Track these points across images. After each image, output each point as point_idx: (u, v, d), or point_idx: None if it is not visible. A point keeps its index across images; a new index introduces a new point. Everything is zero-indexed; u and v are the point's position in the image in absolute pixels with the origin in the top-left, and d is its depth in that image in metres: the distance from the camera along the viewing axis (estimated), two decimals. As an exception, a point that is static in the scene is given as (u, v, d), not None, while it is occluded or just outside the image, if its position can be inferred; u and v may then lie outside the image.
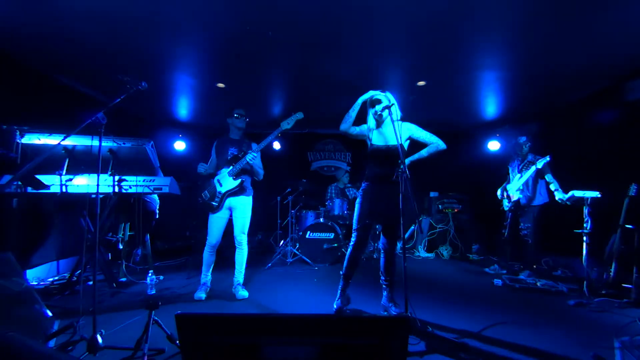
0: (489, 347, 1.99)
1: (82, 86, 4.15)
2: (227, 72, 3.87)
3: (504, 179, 4.23)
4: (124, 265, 3.56)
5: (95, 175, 2.46)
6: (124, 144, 2.85)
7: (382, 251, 2.63)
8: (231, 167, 2.90)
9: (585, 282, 3.02)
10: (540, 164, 3.61)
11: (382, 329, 0.94)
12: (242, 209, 2.96)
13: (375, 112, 2.50)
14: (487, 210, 5.17)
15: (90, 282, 2.95)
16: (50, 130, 2.90)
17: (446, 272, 4.29)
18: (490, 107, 5.05)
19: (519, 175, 3.92)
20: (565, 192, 3.40)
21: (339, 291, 2.60)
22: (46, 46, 3.14)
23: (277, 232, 5.33)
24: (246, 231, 2.99)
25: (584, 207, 3.09)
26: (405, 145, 2.53)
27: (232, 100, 4.60)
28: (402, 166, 2.20)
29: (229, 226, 3.02)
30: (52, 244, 3.58)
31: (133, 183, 2.93)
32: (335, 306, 2.54)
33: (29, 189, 2.69)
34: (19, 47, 3.18)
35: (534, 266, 3.82)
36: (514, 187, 3.92)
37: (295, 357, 0.94)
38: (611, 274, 2.99)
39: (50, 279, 3.40)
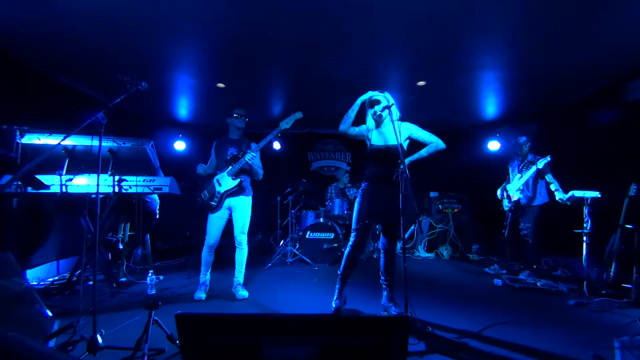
0: (489, 347, 1.99)
1: (82, 86, 4.15)
2: (227, 72, 3.87)
3: (504, 179, 4.23)
4: (124, 266, 3.56)
5: (95, 175, 2.45)
6: (124, 144, 2.85)
7: (381, 251, 2.63)
8: (230, 167, 2.90)
9: (585, 282, 3.02)
10: (541, 164, 3.61)
11: (382, 329, 0.94)
12: (241, 209, 2.96)
13: (375, 112, 2.51)
14: (487, 210, 5.17)
15: (90, 282, 2.95)
16: (50, 130, 2.90)
17: (446, 272, 4.29)
18: (490, 107, 5.05)
19: (519, 175, 3.92)
20: (566, 192, 3.41)
21: (337, 291, 2.60)
22: (46, 46, 3.14)
23: (277, 232, 5.33)
24: (246, 231, 2.99)
25: (584, 207, 3.09)
26: (405, 145, 2.53)
27: (232, 100, 4.60)
28: (402, 166, 2.20)
29: (229, 226, 3.02)
30: (52, 244, 3.58)
31: (133, 183, 2.93)
32: (334, 305, 2.55)
33: (29, 189, 2.69)
34: (19, 47, 3.18)
35: (534, 266, 3.82)
36: (514, 187, 3.92)
37: (295, 357, 0.94)
38: (611, 274, 2.99)
39: (50, 279, 3.41)
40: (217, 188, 2.92)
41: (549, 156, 3.58)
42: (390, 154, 2.47)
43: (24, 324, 1.70)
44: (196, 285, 3.00)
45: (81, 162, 2.87)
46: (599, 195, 3.05)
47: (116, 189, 2.85)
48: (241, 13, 2.66)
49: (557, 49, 3.16)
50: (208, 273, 2.97)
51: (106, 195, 3.03)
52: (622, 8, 2.52)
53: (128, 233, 4.01)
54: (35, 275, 3.35)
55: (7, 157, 2.80)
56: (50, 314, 1.84)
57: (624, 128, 3.83)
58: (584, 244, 3.06)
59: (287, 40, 3.07)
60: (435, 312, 2.59)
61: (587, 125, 4.40)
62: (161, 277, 3.57)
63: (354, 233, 2.54)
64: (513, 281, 3.44)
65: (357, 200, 2.57)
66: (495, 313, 2.61)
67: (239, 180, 2.91)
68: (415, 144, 2.56)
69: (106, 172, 2.87)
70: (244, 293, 2.92)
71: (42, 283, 3.28)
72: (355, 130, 2.57)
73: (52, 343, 1.80)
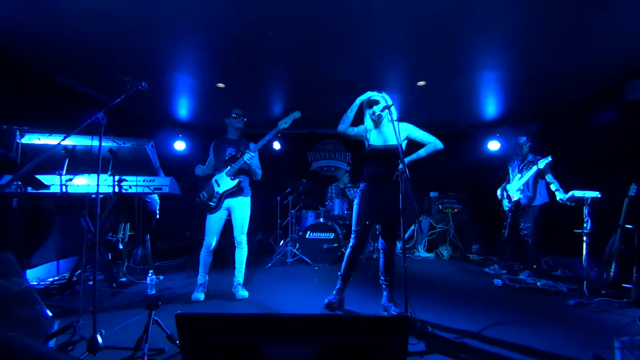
0: (489, 347, 1.99)
1: (82, 86, 4.15)
2: (227, 72, 3.87)
3: (504, 179, 4.23)
4: (124, 266, 3.56)
5: (95, 175, 2.45)
6: (124, 144, 2.85)
7: (381, 251, 2.63)
8: (229, 167, 2.90)
9: (585, 282, 3.02)
10: (541, 164, 3.61)
11: (382, 329, 0.94)
12: (240, 209, 2.96)
13: (373, 112, 2.51)
14: (487, 210, 5.17)
15: (90, 282, 2.94)
16: (50, 130, 2.90)
17: (446, 272, 4.29)
18: (490, 107, 5.05)
19: (519, 175, 3.92)
20: (566, 192, 3.40)
21: (335, 290, 2.61)
22: (46, 46, 3.14)
23: (277, 232, 5.33)
24: (245, 231, 2.99)
25: (584, 207, 3.09)
26: (403, 145, 2.53)
27: (232, 100, 4.60)
28: (401, 166, 2.20)
29: (228, 226, 3.01)
30: (52, 244, 3.58)
31: (133, 183, 2.93)
32: (326, 300, 2.55)
33: (29, 189, 2.69)
34: (19, 47, 3.18)
35: (534, 266, 3.82)
36: (515, 187, 3.92)
37: (295, 357, 0.94)
38: (611, 274, 2.99)
39: (50, 279, 3.41)
40: (216, 188, 2.92)
41: (549, 156, 3.58)
42: (389, 154, 2.47)
43: (24, 324, 1.70)
44: (195, 286, 2.98)
45: (81, 162, 2.87)
46: (599, 195, 3.05)
47: (116, 189, 2.85)
48: (241, 13, 2.66)
49: (557, 49, 3.16)
50: (206, 275, 2.95)
51: (106, 195, 3.03)
52: (622, 8, 2.52)
53: (128, 233, 4.01)
54: (35, 275, 3.35)
55: (7, 157, 2.80)
56: (50, 314, 1.84)
57: (624, 128, 3.83)
58: (584, 244, 3.06)
59: (287, 40, 3.07)
60: (435, 312, 2.59)
61: (587, 125, 4.40)
62: (161, 277, 3.57)
63: (354, 235, 2.55)
64: (513, 281, 3.44)
65: (356, 201, 2.57)
66: (495, 313, 2.61)
67: (237, 180, 2.90)
68: (414, 144, 2.56)
69: (106, 172, 2.86)
70: (244, 293, 2.92)
71: (42, 283, 3.28)
72: (354, 130, 2.57)
73: (52, 343, 1.80)
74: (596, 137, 4.22)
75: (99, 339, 1.71)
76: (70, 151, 2.80)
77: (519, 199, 3.86)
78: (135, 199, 3.55)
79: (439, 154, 2.51)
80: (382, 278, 2.62)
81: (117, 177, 2.86)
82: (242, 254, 2.99)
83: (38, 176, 2.60)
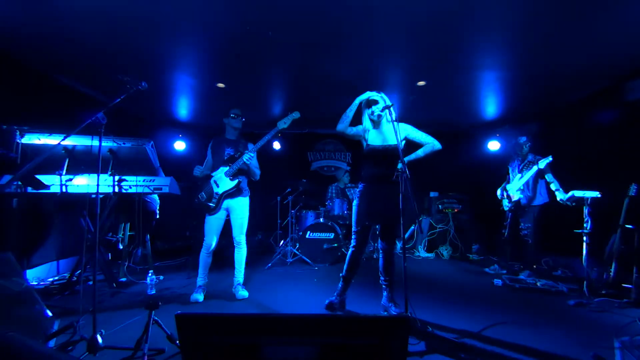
0: (489, 347, 1.99)
1: (82, 86, 4.15)
2: (227, 72, 3.87)
3: (504, 179, 4.23)
4: (125, 266, 3.56)
5: (95, 175, 2.45)
6: (124, 144, 2.85)
7: (380, 251, 2.63)
8: (228, 168, 2.89)
9: (585, 282, 3.02)
10: (542, 164, 3.60)
11: (382, 329, 0.94)
12: (239, 210, 2.95)
13: (372, 112, 2.51)
14: (487, 210, 5.17)
15: (90, 282, 2.94)
16: (50, 130, 2.90)
17: (446, 272, 4.29)
18: (490, 107, 5.05)
19: (519, 175, 3.92)
20: (566, 192, 3.41)
21: (337, 291, 2.62)
22: (46, 46, 3.14)
23: (277, 232, 5.33)
24: (244, 231, 2.99)
25: (584, 207, 3.09)
26: (402, 145, 2.53)
27: (232, 100, 4.60)
28: (400, 165, 2.20)
29: (228, 226, 3.01)
30: (52, 244, 3.58)
31: (133, 183, 2.93)
32: (327, 301, 2.55)
33: (29, 189, 2.69)
34: (19, 47, 3.18)
35: (534, 266, 3.82)
36: (515, 187, 3.92)
37: (295, 357, 0.94)
38: (611, 274, 2.99)
39: (50, 279, 3.41)
40: (215, 189, 2.91)
41: (550, 156, 3.58)
42: (388, 154, 2.47)
43: (24, 324, 1.70)
44: (195, 287, 2.96)
45: (81, 162, 2.87)
46: (599, 195, 3.05)
47: (116, 189, 2.85)
48: (241, 13, 2.66)
49: (557, 49, 3.16)
50: (206, 276, 2.94)
51: (106, 195, 3.03)
52: (622, 8, 2.52)
53: (128, 233, 4.01)
54: (35, 275, 3.35)
55: (7, 157, 2.80)
56: (50, 314, 1.84)
57: (624, 128, 3.83)
58: (584, 244, 3.06)
59: (287, 40, 3.07)
60: (435, 312, 2.59)
61: (587, 125, 4.40)
62: (161, 277, 3.57)
63: (354, 236, 2.55)
64: (513, 281, 3.44)
65: (355, 202, 2.57)
66: (495, 313, 2.61)
67: (237, 180, 2.90)
68: (411, 145, 2.57)
69: (106, 172, 2.87)
70: (244, 293, 2.92)
71: (42, 283, 3.28)
72: (353, 130, 2.58)
73: (52, 343, 1.80)
74: (596, 137, 4.22)
75: (99, 339, 1.71)
76: (70, 151, 2.80)
77: (519, 199, 3.86)
78: (135, 199, 3.55)
79: (439, 154, 2.53)
80: (381, 278, 2.62)
81: (117, 177, 2.86)
82: (241, 254, 2.99)
83: (38, 176, 2.60)
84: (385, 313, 2.53)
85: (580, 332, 2.25)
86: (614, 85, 3.90)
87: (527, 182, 3.80)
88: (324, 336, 0.93)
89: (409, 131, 2.54)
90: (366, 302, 2.82)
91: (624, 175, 3.31)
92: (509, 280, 3.46)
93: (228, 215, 2.99)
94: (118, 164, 2.89)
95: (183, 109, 5.26)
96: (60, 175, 2.72)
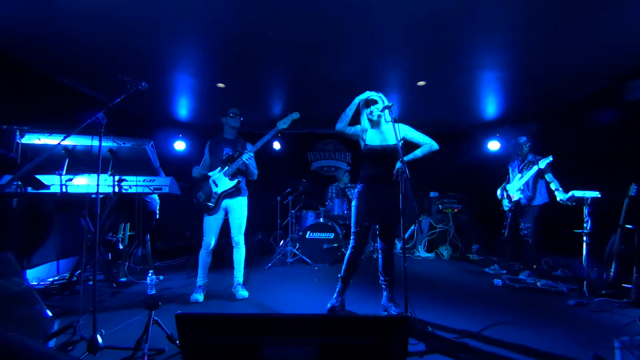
0: (489, 347, 1.99)
1: (82, 86, 4.15)
2: (227, 72, 3.87)
3: (504, 179, 4.23)
4: (126, 266, 3.56)
5: (95, 175, 2.45)
6: (124, 144, 2.84)
7: (380, 251, 2.63)
8: (227, 168, 2.89)
9: (585, 282, 3.02)
10: (542, 164, 3.60)
11: (382, 329, 0.94)
12: (238, 210, 2.95)
13: (371, 112, 2.52)
14: (487, 210, 5.17)
15: (90, 282, 2.94)
16: (50, 130, 2.90)
17: (446, 272, 4.29)
18: (490, 107, 5.05)
19: (519, 175, 3.92)
20: (566, 192, 3.41)
21: (336, 292, 2.61)
22: (46, 46, 3.14)
23: (277, 232, 5.33)
24: (243, 231, 2.99)
25: (584, 207, 3.09)
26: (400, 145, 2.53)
27: (232, 100, 4.60)
28: (399, 165, 2.20)
29: (227, 226, 3.01)
30: (52, 244, 3.58)
31: (133, 183, 2.93)
32: (329, 305, 2.55)
33: (29, 189, 2.69)
34: (19, 47, 3.17)
35: (534, 266, 3.82)
36: (515, 187, 3.92)
37: (295, 357, 0.94)
38: (611, 274, 2.99)
39: (50, 279, 3.41)
40: (214, 189, 2.90)
41: (550, 156, 3.58)
42: (386, 153, 2.47)
43: (24, 324, 1.70)
44: (195, 287, 2.95)
45: (81, 162, 2.87)
46: (599, 195, 3.05)
47: (116, 189, 2.85)
48: (241, 13, 2.66)
49: (557, 49, 3.16)
50: (206, 276, 2.94)
51: (106, 195, 3.03)
52: (622, 8, 2.52)
53: (128, 233, 4.01)
54: (35, 275, 3.35)
55: (7, 157, 2.80)
56: (50, 314, 1.84)
57: (624, 128, 3.83)
58: (584, 244, 3.06)
59: (287, 40, 3.07)
60: (435, 312, 2.59)
61: (587, 125, 4.40)
62: (161, 277, 3.57)
63: (353, 237, 2.55)
64: (513, 281, 3.44)
65: (354, 203, 2.57)
66: (495, 313, 2.61)
67: (237, 180, 2.90)
68: (409, 145, 2.57)
69: (106, 172, 2.86)
70: (243, 293, 2.92)
71: (42, 283, 3.28)
72: (351, 130, 2.58)
73: (52, 343, 1.80)
74: (596, 137, 4.22)
75: (99, 339, 1.71)
76: (70, 151, 2.80)
77: (519, 199, 3.86)
78: (135, 199, 3.55)
79: (439, 154, 2.53)
80: (381, 278, 2.62)
81: (117, 177, 2.86)
82: (240, 253, 2.99)
83: (38, 176, 2.60)
84: (385, 313, 2.53)
85: (580, 332, 2.25)
86: (614, 85, 3.90)
87: (527, 182, 3.80)
88: (324, 336, 0.93)
89: (406, 131, 2.54)
90: (366, 302, 2.82)
91: (624, 175, 3.31)
92: (509, 280, 3.46)
93: (226, 215, 2.98)
94: (118, 164, 2.89)
95: (183, 109, 5.26)
96: (60, 175, 2.72)
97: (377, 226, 2.66)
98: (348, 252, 2.57)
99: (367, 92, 2.54)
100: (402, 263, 2.15)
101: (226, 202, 2.93)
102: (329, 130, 6.54)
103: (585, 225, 3.05)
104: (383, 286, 2.62)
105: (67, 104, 3.96)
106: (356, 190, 2.59)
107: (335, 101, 4.60)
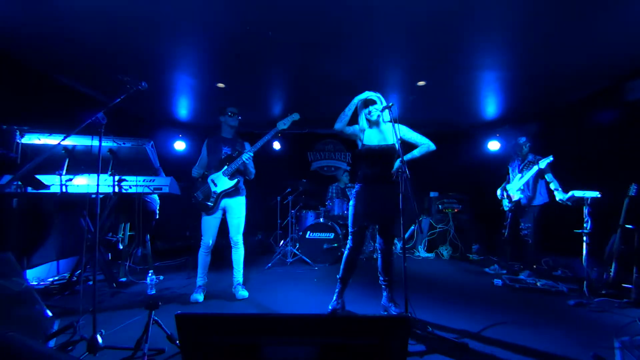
0: (489, 347, 1.99)
1: (82, 86, 4.15)
2: (227, 72, 3.87)
3: (504, 179, 4.23)
4: (126, 266, 3.55)
5: (95, 175, 2.45)
6: (124, 144, 2.84)
7: (379, 251, 2.63)
8: (226, 167, 2.88)
9: (585, 282, 3.02)
10: (543, 164, 3.60)
11: (382, 329, 0.94)
12: (237, 209, 2.95)
13: (370, 112, 2.51)
14: (487, 210, 5.17)
15: (90, 282, 2.94)
16: (50, 130, 2.90)
17: (446, 272, 4.29)
18: (490, 107, 5.05)
19: (519, 175, 3.92)
20: (565, 192, 3.40)
21: (336, 294, 2.60)
22: (46, 46, 3.14)
23: (277, 232, 5.33)
24: (242, 231, 2.98)
25: (584, 207, 3.09)
26: (397, 146, 2.53)
27: (232, 100, 4.59)
28: (398, 164, 2.20)
29: (226, 226, 3.00)
30: (52, 244, 3.58)
31: (133, 183, 2.93)
32: (330, 307, 2.54)
33: (29, 189, 2.69)
34: (19, 47, 3.18)
35: (534, 266, 3.82)
36: (515, 187, 3.91)
37: (295, 357, 0.94)
38: (611, 274, 2.99)
39: (50, 279, 3.40)
40: (213, 188, 2.89)
41: (551, 156, 3.58)
42: (384, 153, 2.47)
43: (24, 324, 1.70)
44: (194, 287, 2.95)
45: (81, 162, 2.87)
46: (599, 195, 3.05)
47: (116, 189, 2.85)
48: (241, 13, 2.66)
49: (557, 49, 3.16)
50: (205, 276, 2.93)
51: (106, 195, 3.03)
52: (622, 8, 2.52)
53: (128, 233, 4.01)
54: (35, 275, 3.35)
55: (7, 157, 2.80)
56: (50, 314, 1.84)
57: (624, 128, 3.83)
58: (584, 244, 3.06)
59: (287, 40, 3.07)
60: (435, 312, 2.59)
61: (587, 125, 4.40)
62: (161, 277, 3.57)
63: (351, 237, 2.54)
64: (513, 281, 3.44)
65: (351, 203, 2.56)
66: (495, 313, 2.61)
67: (236, 180, 2.89)
68: (406, 145, 2.56)
69: (106, 172, 2.86)
70: (243, 293, 2.91)
71: (42, 283, 3.28)
72: (350, 129, 2.57)
73: (52, 343, 1.80)
74: (596, 137, 4.22)
75: (99, 339, 1.71)
76: (70, 151, 2.80)
77: (519, 199, 3.86)
78: (135, 199, 3.55)
79: (439, 154, 2.54)
80: (381, 278, 2.62)
81: (117, 177, 2.86)
82: (239, 253, 2.99)
83: (38, 176, 2.60)
84: (385, 313, 2.53)
85: (580, 332, 2.25)
86: (614, 85, 3.90)
87: (527, 182, 3.80)
88: (324, 336, 0.93)
89: (404, 132, 2.54)
90: (366, 302, 2.82)
91: (624, 175, 3.31)
92: (509, 280, 3.46)
93: (224, 215, 2.98)
94: (118, 164, 2.89)
95: (183, 109, 5.26)
96: (60, 175, 2.72)
97: (376, 226, 2.66)
98: (345, 252, 2.56)
99: (366, 92, 2.54)
100: (402, 263, 2.15)
101: (225, 202, 2.93)
102: (329, 130, 6.51)
103: (585, 225, 3.05)
104: (383, 286, 2.62)
105: (67, 104, 3.96)
106: (354, 191, 2.58)
107: (335, 101, 4.58)
